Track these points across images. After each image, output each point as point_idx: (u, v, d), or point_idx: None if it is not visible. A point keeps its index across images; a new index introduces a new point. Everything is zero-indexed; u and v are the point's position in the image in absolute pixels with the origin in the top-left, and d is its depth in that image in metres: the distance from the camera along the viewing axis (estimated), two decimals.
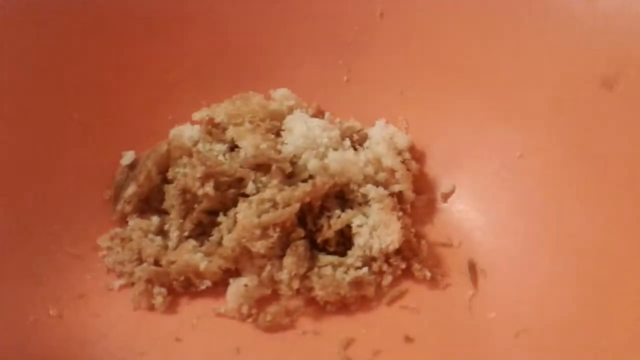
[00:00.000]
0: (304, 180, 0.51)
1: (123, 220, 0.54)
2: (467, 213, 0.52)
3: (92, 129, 0.56)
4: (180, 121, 0.59)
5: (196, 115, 0.58)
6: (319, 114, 0.59)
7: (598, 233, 0.43)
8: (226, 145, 0.55)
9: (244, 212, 0.48)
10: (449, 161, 0.54)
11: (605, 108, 0.44)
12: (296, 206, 0.48)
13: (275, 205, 0.49)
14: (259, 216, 0.48)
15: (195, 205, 0.51)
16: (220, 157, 0.53)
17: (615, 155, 0.44)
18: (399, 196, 0.52)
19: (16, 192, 0.52)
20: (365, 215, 0.49)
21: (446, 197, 0.53)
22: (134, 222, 0.53)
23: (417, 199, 0.53)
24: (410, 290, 0.48)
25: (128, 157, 0.56)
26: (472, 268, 0.48)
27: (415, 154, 0.55)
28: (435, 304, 0.47)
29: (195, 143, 0.56)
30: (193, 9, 0.59)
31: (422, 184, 0.54)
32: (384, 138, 0.53)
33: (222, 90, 0.59)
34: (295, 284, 0.47)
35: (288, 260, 0.47)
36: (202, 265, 0.48)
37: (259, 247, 0.47)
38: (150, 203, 0.55)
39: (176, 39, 0.59)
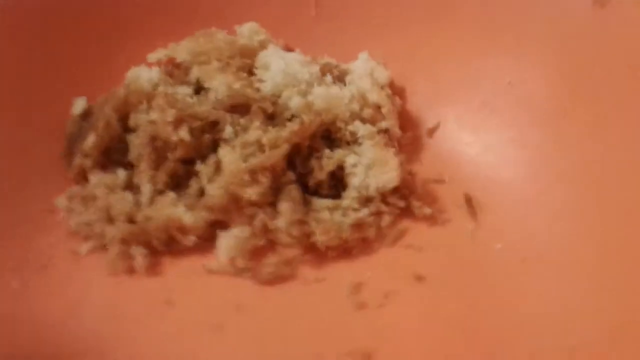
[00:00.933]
0: (287, 121, 0.47)
1: (80, 177, 0.48)
2: (455, 147, 0.50)
3: (34, 75, 0.49)
4: (133, 64, 0.52)
5: (152, 57, 0.52)
6: (286, 51, 0.55)
7: (597, 158, 0.43)
8: (191, 88, 0.50)
9: (229, 157, 0.43)
10: (432, 95, 0.52)
11: (598, 26, 0.44)
12: (285, 147, 0.44)
13: (261, 148, 0.44)
14: (245, 160, 0.44)
15: (168, 154, 0.46)
16: (189, 100, 0.48)
17: (612, 74, 0.43)
18: (387, 133, 0.49)
19: None
20: (357, 154, 0.46)
21: (431, 132, 0.51)
22: (96, 178, 0.47)
23: (402, 137, 0.51)
24: (410, 229, 0.46)
25: (80, 104, 0.49)
26: (469, 202, 0.47)
27: (395, 90, 0.52)
28: (438, 240, 0.45)
29: (155, 86, 0.50)
30: None
31: (405, 121, 0.52)
32: (367, 72, 0.50)
33: (179, 29, 0.53)
34: (295, 231, 0.43)
35: (284, 206, 0.43)
36: (187, 219, 0.43)
37: (251, 193, 0.43)
38: (111, 156, 0.48)
39: None
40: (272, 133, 0.45)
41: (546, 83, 0.47)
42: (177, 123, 0.45)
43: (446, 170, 0.49)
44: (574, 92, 0.46)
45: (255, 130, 0.45)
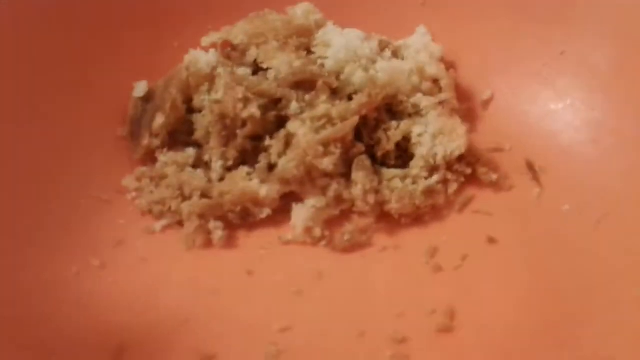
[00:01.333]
0: (350, 95, 0.48)
1: (147, 158, 0.48)
2: (511, 116, 0.51)
3: (94, 62, 0.50)
4: (188, 47, 0.53)
5: (206, 40, 0.53)
6: None
7: None
8: (250, 69, 0.51)
9: (301, 130, 0.44)
10: (483, 68, 0.53)
11: None
12: (355, 119, 0.45)
13: (330, 120, 0.45)
14: (317, 133, 0.45)
15: (237, 131, 0.47)
16: (253, 79, 0.48)
17: None
18: (445, 104, 0.50)
19: (24, 137, 0.45)
20: (422, 124, 0.47)
21: (486, 104, 0.52)
22: (166, 157, 0.47)
23: (459, 109, 0.52)
24: (477, 196, 0.47)
25: (141, 88, 0.49)
26: (531, 167, 0.48)
27: (447, 64, 0.53)
28: (506, 205, 0.46)
29: (214, 69, 0.50)
30: None
31: (459, 94, 0.52)
32: (424, 46, 0.51)
33: (230, 13, 0.54)
34: (371, 199, 0.44)
35: (359, 175, 0.44)
36: (263, 192, 0.44)
37: (326, 164, 0.43)
38: (177, 136, 0.49)
39: None
40: (341, 106, 0.45)
41: (599, 50, 0.48)
42: (246, 100, 0.46)
43: (505, 139, 0.50)
44: (629, 57, 0.47)
45: (324, 105, 0.46)
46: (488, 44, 0.53)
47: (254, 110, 0.45)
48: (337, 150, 0.44)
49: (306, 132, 0.44)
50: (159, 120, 0.47)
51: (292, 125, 0.45)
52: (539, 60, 0.51)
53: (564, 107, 0.49)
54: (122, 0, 0.52)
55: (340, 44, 0.48)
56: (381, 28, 0.55)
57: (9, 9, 0.47)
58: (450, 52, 0.54)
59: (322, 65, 0.48)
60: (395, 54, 0.52)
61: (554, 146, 0.49)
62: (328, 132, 0.44)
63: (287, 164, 0.44)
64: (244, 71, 0.50)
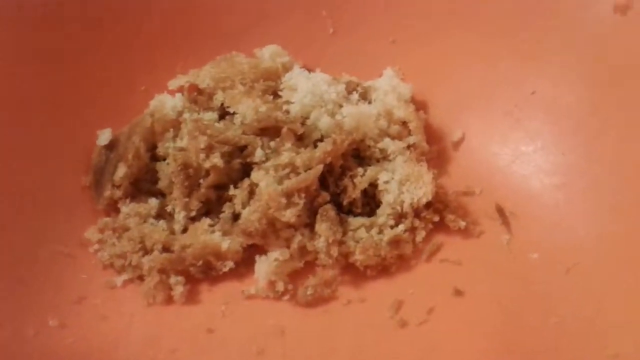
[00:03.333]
0: (316, 141, 0.47)
1: (110, 209, 0.48)
2: (482, 158, 0.50)
3: (59, 108, 0.49)
4: (155, 92, 0.52)
5: (173, 83, 0.52)
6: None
7: (630, 160, 0.43)
8: (216, 113, 0.50)
9: (264, 181, 0.43)
10: (455, 108, 0.52)
11: (621, 33, 0.44)
12: (320, 168, 0.44)
13: (294, 170, 0.44)
14: (280, 183, 0.44)
15: (201, 181, 0.46)
16: (218, 126, 0.48)
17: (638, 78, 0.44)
18: (414, 147, 0.49)
19: None
20: (388, 170, 0.47)
21: (457, 145, 0.52)
22: (128, 207, 0.46)
23: (429, 151, 0.51)
24: (445, 243, 0.46)
25: (105, 136, 0.49)
26: (501, 212, 0.47)
27: (417, 104, 0.53)
28: (474, 253, 0.45)
29: (180, 114, 0.50)
30: None
31: (429, 135, 0.52)
32: (392, 88, 0.50)
33: (198, 55, 0.53)
34: (335, 251, 0.43)
35: (322, 227, 0.43)
36: (224, 245, 0.43)
37: (289, 216, 0.42)
38: (140, 185, 0.48)
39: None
40: (305, 154, 0.45)
41: (570, 90, 0.47)
42: (209, 149, 0.45)
43: (475, 182, 0.49)
44: (602, 97, 0.46)
45: (288, 152, 0.45)
46: (459, 83, 0.52)
47: (216, 160, 0.45)
48: (300, 201, 0.43)
49: (269, 183, 0.43)
50: (121, 170, 0.46)
51: (255, 175, 0.45)
52: (510, 101, 0.50)
53: (534, 150, 0.48)
54: (89, 44, 0.51)
55: (306, 89, 0.48)
56: (351, 68, 0.54)
57: None
58: (421, 91, 0.54)
59: (288, 112, 0.47)
60: (364, 96, 0.51)
61: (525, 190, 0.48)
62: (291, 183, 0.43)
63: (250, 216, 0.43)
64: (210, 116, 0.49)
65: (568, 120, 0.48)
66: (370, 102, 0.50)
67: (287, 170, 0.44)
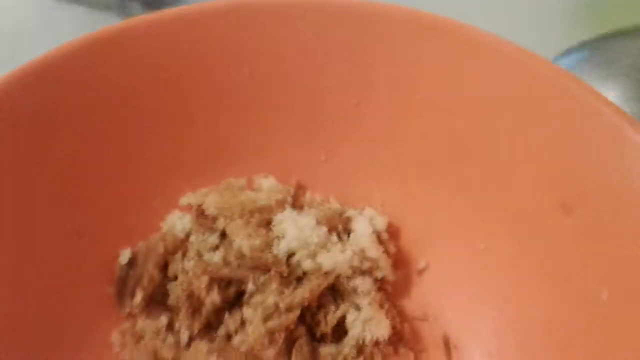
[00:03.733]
0: (299, 277, 0.57)
1: (131, 316, 0.59)
2: (439, 292, 0.60)
3: (83, 231, 0.58)
4: (167, 207, 0.62)
5: (183, 201, 0.62)
6: (299, 189, 0.64)
7: (559, 328, 0.52)
8: (217, 234, 0.60)
9: (254, 324, 0.54)
10: (422, 240, 0.61)
11: (563, 232, 0.52)
12: (297, 312, 0.54)
13: (277, 310, 0.55)
14: (266, 319, 0.54)
15: (202, 308, 0.56)
16: (217, 256, 0.57)
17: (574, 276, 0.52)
18: (382, 279, 0.59)
19: (25, 306, 0.54)
20: (356, 307, 0.57)
21: (420, 273, 0.61)
22: (143, 323, 0.58)
23: (395, 274, 0.60)
24: None
25: (125, 255, 0.59)
26: (447, 344, 0.58)
27: (391, 229, 0.62)
28: None
29: (188, 234, 0.60)
30: (166, 99, 0.59)
31: (398, 259, 0.61)
32: (367, 230, 0.59)
33: (204, 176, 0.62)
34: None
35: None
36: None
37: (269, 355, 0.54)
38: (154, 298, 0.59)
39: (150, 128, 0.60)
40: (288, 298, 0.55)
41: (512, 256, 0.56)
42: (210, 286, 0.55)
43: (430, 309, 0.60)
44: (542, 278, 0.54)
45: (273, 293, 0.55)
46: (430, 220, 0.61)
47: (215, 297, 0.55)
48: (280, 338, 0.54)
49: (257, 326, 0.54)
50: (139, 297, 0.57)
51: (246, 312, 0.55)
52: (465, 251, 0.59)
53: (483, 298, 0.57)
54: (108, 167, 0.59)
55: (292, 235, 0.57)
56: (338, 191, 0.63)
57: None
58: (397, 217, 0.62)
59: (276, 256, 0.57)
60: (346, 228, 0.60)
61: (468, 329, 0.57)
62: (274, 324, 0.54)
63: (240, 346, 0.55)
64: (212, 239, 0.59)
65: (511, 281, 0.56)
66: (349, 235, 0.60)
67: (271, 310, 0.55)
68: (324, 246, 0.57)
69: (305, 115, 0.62)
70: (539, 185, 0.54)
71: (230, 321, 0.56)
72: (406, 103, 0.60)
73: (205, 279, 0.55)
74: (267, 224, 0.59)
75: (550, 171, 0.53)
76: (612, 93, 0.65)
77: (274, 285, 0.56)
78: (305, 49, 0.60)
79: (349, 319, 0.56)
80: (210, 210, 0.59)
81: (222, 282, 0.57)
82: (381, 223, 0.61)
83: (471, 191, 0.58)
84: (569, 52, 0.76)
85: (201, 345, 0.56)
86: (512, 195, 0.55)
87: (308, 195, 0.63)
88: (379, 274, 0.59)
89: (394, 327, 0.57)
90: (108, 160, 0.59)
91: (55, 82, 0.54)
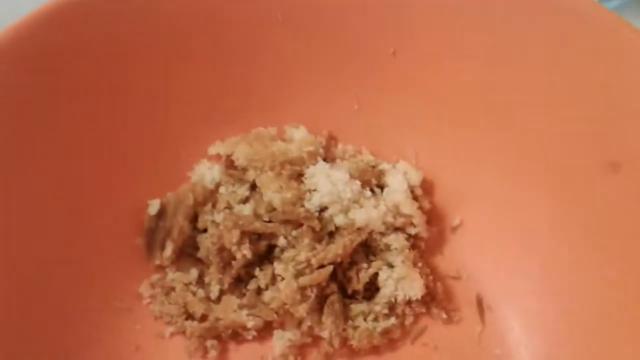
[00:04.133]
0: (331, 232, 0.56)
1: (160, 268, 0.58)
2: (473, 248, 0.58)
3: (112, 180, 0.57)
4: (195, 157, 0.60)
5: (212, 150, 0.60)
6: (330, 140, 0.62)
7: (600, 292, 0.50)
8: (247, 186, 0.58)
9: (286, 280, 0.53)
10: (457, 195, 0.59)
11: (609, 190, 0.50)
12: (330, 268, 0.53)
13: (309, 266, 0.54)
14: (297, 275, 0.53)
15: (233, 262, 0.55)
16: (247, 209, 0.56)
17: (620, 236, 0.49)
18: (415, 236, 0.58)
19: (56, 256, 0.54)
20: (389, 265, 0.55)
21: (454, 230, 0.59)
22: (174, 275, 0.57)
23: (429, 231, 0.59)
24: (429, 326, 0.56)
25: (154, 207, 0.57)
26: (480, 304, 0.56)
27: (425, 184, 0.60)
28: (450, 339, 0.55)
29: (217, 185, 0.58)
30: (197, 46, 0.57)
31: (432, 215, 0.60)
32: (401, 185, 0.57)
33: (233, 123, 0.60)
34: (337, 342, 0.54)
35: (328, 321, 0.54)
36: (249, 324, 0.54)
37: (301, 311, 0.53)
38: (184, 250, 0.58)
39: (180, 74, 0.58)
40: (320, 254, 0.53)
41: (556, 209, 0.54)
42: (241, 240, 0.54)
43: (464, 267, 0.58)
44: (585, 219, 0.52)
45: (305, 249, 0.54)
46: (464, 173, 0.59)
47: (246, 251, 0.54)
48: (312, 294, 0.53)
49: (288, 282, 0.53)
50: (169, 249, 0.56)
51: (277, 267, 0.54)
52: (501, 201, 0.57)
53: (521, 253, 0.56)
54: (131, 114, 0.57)
55: (325, 189, 0.55)
56: (371, 142, 0.61)
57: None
58: (431, 172, 0.60)
59: (308, 210, 0.55)
60: (379, 184, 0.58)
61: (503, 287, 0.56)
62: (306, 280, 0.53)
63: (270, 303, 0.54)
64: (242, 191, 0.57)
65: (556, 233, 0.54)
66: (382, 189, 0.58)
67: (303, 266, 0.54)
68: (357, 201, 0.56)
69: (338, 62, 0.59)
70: (584, 139, 0.51)
71: (261, 276, 0.55)
72: (445, 51, 0.56)
73: (236, 233, 0.54)
74: (299, 176, 0.58)
75: (599, 126, 0.50)
76: None
77: (306, 241, 0.54)
78: None
79: (382, 276, 0.55)
80: (240, 161, 0.57)
81: (253, 236, 0.55)
82: (415, 178, 0.59)
83: (511, 145, 0.56)
84: None
85: (232, 300, 0.56)
86: (555, 150, 0.53)
87: (340, 146, 0.61)
88: (412, 231, 0.57)
89: (426, 286, 0.56)
90: (135, 108, 0.57)
91: (85, 25, 0.52)
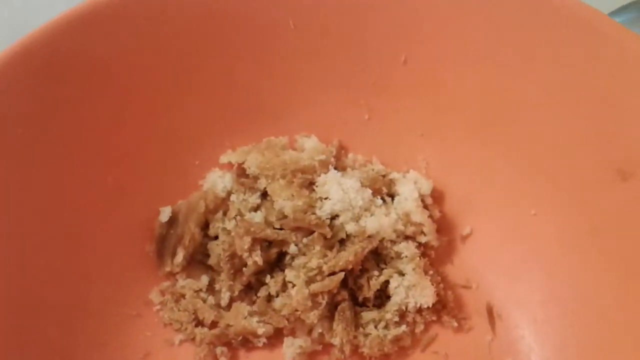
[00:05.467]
0: (342, 240, 0.56)
1: (170, 274, 0.58)
2: (483, 257, 0.58)
3: (123, 187, 0.57)
4: (207, 165, 0.60)
5: (223, 159, 0.60)
6: (340, 150, 0.62)
7: (607, 298, 0.50)
8: (258, 194, 0.58)
9: (297, 287, 0.53)
10: (466, 204, 0.59)
11: (618, 198, 0.50)
12: (341, 275, 0.53)
13: (320, 273, 0.54)
14: (308, 284, 0.53)
15: (243, 269, 0.55)
16: (258, 217, 0.56)
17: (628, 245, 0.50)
18: (425, 244, 0.58)
19: (67, 261, 0.54)
20: (400, 273, 0.55)
21: (464, 239, 0.60)
22: (184, 281, 0.57)
23: (439, 240, 0.59)
24: (439, 335, 0.56)
25: (165, 213, 0.58)
26: (490, 312, 0.56)
27: (435, 194, 0.60)
28: (460, 348, 0.55)
29: (228, 193, 0.59)
30: (208, 54, 0.57)
31: (442, 224, 0.60)
32: (412, 194, 0.57)
33: (244, 133, 0.60)
34: (347, 349, 0.54)
35: (339, 328, 0.54)
36: (260, 331, 0.54)
37: (312, 317, 0.53)
38: (194, 257, 0.58)
39: (192, 83, 0.58)
40: (332, 262, 0.53)
41: (565, 223, 0.54)
42: (252, 247, 0.54)
43: (473, 277, 0.58)
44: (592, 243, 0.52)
45: (316, 256, 0.54)
46: (475, 183, 0.59)
47: (257, 258, 0.54)
48: (323, 301, 0.53)
49: (299, 288, 0.53)
50: (180, 256, 0.56)
51: (289, 274, 0.54)
52: (514, 216, 0.57)
53: (529, 265, 0.56)
54: (144, 122, 0.58)
55: (337, 197, 0.55)
56: (381, 152, 0.61)
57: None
58: (441, 181, 0.60)
59: (319, 217, 0.55)
60: (389, 192, 0.59)
61: (513, 297, 0.56)
62: (317, 287, 0.53)
63: (281, 310, 0.54)
64: (254, 199, 0.58)
65: (564, 249, 0.54)
66: (392, 198, 0.58)
67: (314, 273, 0.54)
68: (368, 209, 0.56)
69: (349, 71, 0.59)
70: (594, 148, 0.51)
71: (271, 283, 0.55)
72: (456, 60, 0.57)
73: (248, 240, 0.54)
74: (310, 184, 0.58)
75: (607, 133, 0.50)
76: None
77: (317, 248, 0.55)
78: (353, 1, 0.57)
79: (392, 284, 0.55)
80: (252, 169, 0.58)
81: (264, 243, 0.56)
82: (426, 187, 0.59)
83: (520, 154, 0.56)
84: (620, 10, 0.73)
85: (242, 307, 0.56)
86: (564, 158, 0.53)
87: (350, 156, 0.62)
88: (422, 239, 0.57)
89: (437, 294, 0.56)
90: (148, 116, 0.57)
91: (98, 34, 0.52)
